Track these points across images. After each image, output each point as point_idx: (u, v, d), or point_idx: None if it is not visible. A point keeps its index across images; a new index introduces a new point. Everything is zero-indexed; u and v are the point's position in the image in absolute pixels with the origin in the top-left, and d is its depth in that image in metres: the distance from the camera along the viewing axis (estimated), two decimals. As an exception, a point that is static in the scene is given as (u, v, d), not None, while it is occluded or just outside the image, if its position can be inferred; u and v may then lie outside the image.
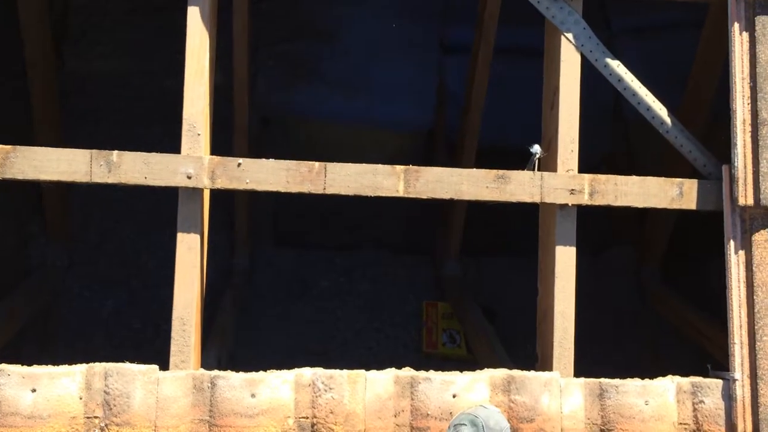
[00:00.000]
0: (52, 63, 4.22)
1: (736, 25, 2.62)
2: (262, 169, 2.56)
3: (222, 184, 2.54)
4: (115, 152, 2.50)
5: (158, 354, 2.77)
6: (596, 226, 5.12)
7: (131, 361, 2.43)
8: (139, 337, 4.74)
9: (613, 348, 4.97)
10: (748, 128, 2.58)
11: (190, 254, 2.54)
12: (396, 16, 5.17)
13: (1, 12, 4.32)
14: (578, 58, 2.71)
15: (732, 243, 2.56)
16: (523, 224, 3.48)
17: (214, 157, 2.56)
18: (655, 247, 4.86)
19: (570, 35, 2.70)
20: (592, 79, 2.88)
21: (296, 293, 5.05)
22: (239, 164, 2.55)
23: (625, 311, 5.12)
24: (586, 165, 2.93)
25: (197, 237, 2.55)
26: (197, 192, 2.55)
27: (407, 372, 2.46)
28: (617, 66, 2.77)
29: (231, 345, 4.25)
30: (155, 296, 4.77)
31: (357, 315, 5.03)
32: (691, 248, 4.83)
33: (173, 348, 2.49)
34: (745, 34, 2.61)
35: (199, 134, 2.57)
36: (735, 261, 2.55)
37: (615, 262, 5.27)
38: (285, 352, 4.78)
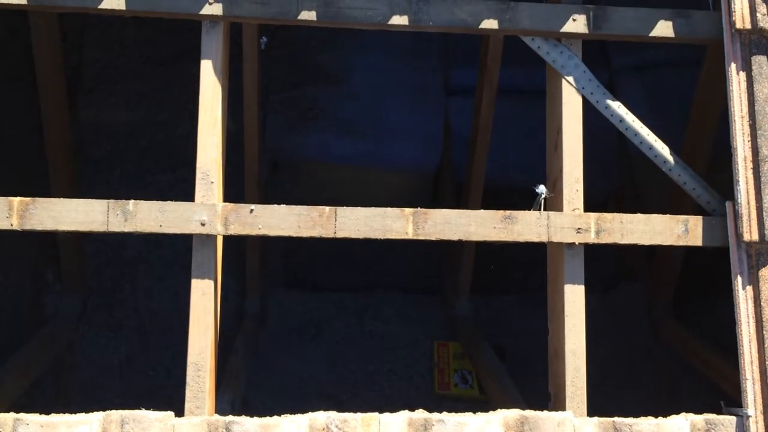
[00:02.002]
0: (66, 114, 4.33)
1: (733, 65, 2.69)
2: (274, 214, 2.61)
3: (235, 230, 2.59)
4: (131, 201, 2.56)
5: (170, 400, 2.79)
6: (606, 263, 5.15)
7: (145, 408, 2.45)
8: (152, 383, 4.76)
9: (628, 385, 4.94)
10: (750, 165, 2.62)
11: (204, 300, 2.58)
12: (401, 61, 5.29)
13: (18, 66, 4.46)
14: (579, 100, 2.77)
15: (739, 279, 2.58)
16: (532, 262, 3.51)
17: (227, 204, 2.62)
18: (666, 283, 4.86)
19: (571, 78, 2.77)
20: (597, 117, 2.95)
21: (308, 336, 5.07)
22: (251, 210, 2.60)
23: (639, 347, 5.10)
24: (593, 203, 2.97)
25: (211, 282, 2.59)
26: (211, 239, 2.60)
27: (420, 414, 2.47)
28: (618, 107, 2.83)
29: (244, 389, 4.26)
30: (168, 342, 4.81)
31: (369, 357, 5.04)
32: (702, 283, 4.83)
33: (188, 394, 2.51)
34: (742, 74, 2.67)
35: (212, 182, 2.63)
36: (743, 297, 2.57)
37: (626, 298, 5.27)
38: (298, 395, 4.78)
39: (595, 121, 3.01)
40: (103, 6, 2.65)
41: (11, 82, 4.48)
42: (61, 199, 2.57)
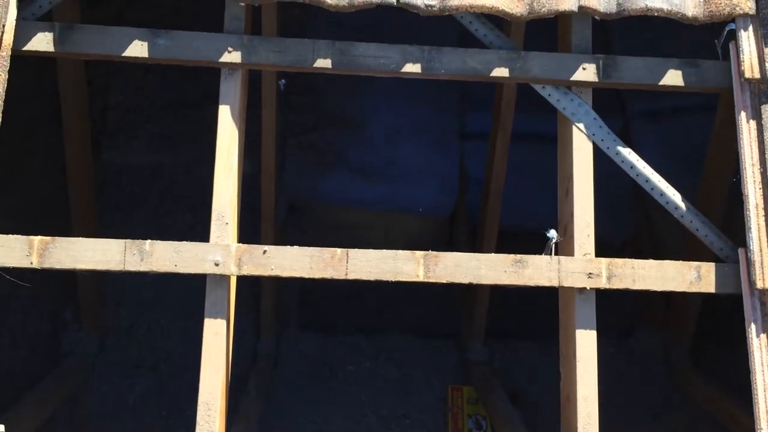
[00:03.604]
0: (90, 157, 4.44)
1: (743, 114, 2.71)
2: (286, 255, 2.65)
3: (248, 270, 2.63)
4: (148, 241, 2.62)
5: (183, 440, 2.80)
6: (623, 311, 5.11)
7: (157, 448, 2.46)
8: (165, 422, 4.76)
9: (645, 431, 4.86)
10: (762, 212, 2.63)
11: (216, 339, 2.61)
12: (418, 106, 5.37)
13: (44, 109, 4.60)
14: (590, 146, 2.80)
15: (753, 326, 2.56)
16: (547, 307, 3.50)
17: (240, 245, 2.66)
18: (683, 330, 4.81)
19: (581, 125, 2.81)
20: (613, 165, 2.96)
21: (321, 378, 5.05)
22: (264, 251, 2.64)
23: (657, 395, 5.02)
24: (610, 250, 2.97)
25: (223, 322, 2.62)
26: (224, 279, 2.64)
27: (430, 458, 2.45)
28: (628, 153, 2.86)
29: (255, 430, 4.24)
30: (182, 381, 4.82)
31: (382, 400, 5.00)
32: (721, 330, 4.77)
33: (198, 433, 2.52)
34: (753, 122, 2.70)
35: (227, 223, 2.68)
36: (757, 345, 2.54)
37: (643, 345, 5.21)
38: (309, 438, 4.75)
39: (610, 169, 3.03)
40: (127, 54, 2.76)
41: (37, 125, 4.62)
42: (80, 238, 2.64)
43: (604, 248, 2.75)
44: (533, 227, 3.36)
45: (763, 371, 2.51)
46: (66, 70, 3.90)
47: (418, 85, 5.10)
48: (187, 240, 2.68)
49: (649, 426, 4.90)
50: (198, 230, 4.91)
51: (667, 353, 4.98)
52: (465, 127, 5.42)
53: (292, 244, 2.69)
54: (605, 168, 2.95)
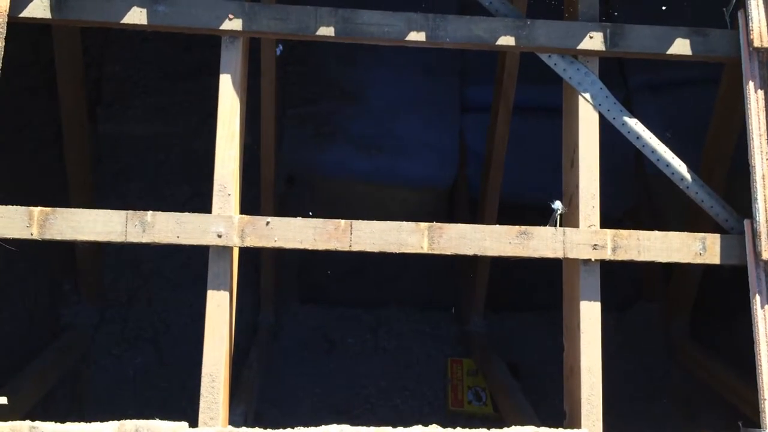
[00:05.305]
0: (86, 128, 4.38)
1: (751, 84, 2.68)
2: (290, 227, 2.62)
3: (251, 242, 2.61)
4: (150, 213, 2.58)
5: (184, 412, 2.79)
6: (623, 283, 5.12)
7: (159, 419, 2.45)
8: (165, 395, 4.77)
9: (644, 404, 4.89)
10: (768, 183, 2.61)
11: (219, 311, 2.59)
12: (418, 77, 5.32)
13: (38, 80, 4.53)
14: (596, 116, 2.77)
15: (758, 297, 2.56)
16: (546, 280, 3.50)
17: (243, 216, 2.63)
18: (683, 303, 4.82)
19: (587, 95, 2.77)
20: (613, 137, 2.94)
21: (321, 350, 5.07)
22: (268, 223, 2.62)
23: (655, 367, 5.06)
24: (610, 221, 2.96)
25: (227, 294, 2.61)
26: (227, 250, 2.62)
27: (434, 429, 2.45)
28: (635, 124, 2.83)
29: (256, 402, 4.26)
30: (182, 354, 4.82)
31: (382, 372, 5.02)
32: (720, 303, 4.79)
33: (202, 404, 2.52)
34: (761, 92, 2.67)
35: (229, 194, 2.65)
36: (762, 316, 2.54)
37: (643, 318, 5.23)
38: (310, 410, 4.77)
39: (610, 140, 3.00)
40: (125, 21, 2.70)
41: (32, 95, 4.55)
42: (81, 209, 2.60)
43: (603, 220, 2.74)
44: (534, 200, 3.34)
45: (767, 342, 2.51)
46: (61, 38, 3.83)
47: (418, 57, 5.04)
48: (186, 212, 2.64)
49: (648, 398, 4.93)
50: (196, 202, 4.88)
51: (667, 326, 5.00)
52: (465, 100, 5.37)
53: (291, 217, 2.66)
54: (606, 139, 2.92)
